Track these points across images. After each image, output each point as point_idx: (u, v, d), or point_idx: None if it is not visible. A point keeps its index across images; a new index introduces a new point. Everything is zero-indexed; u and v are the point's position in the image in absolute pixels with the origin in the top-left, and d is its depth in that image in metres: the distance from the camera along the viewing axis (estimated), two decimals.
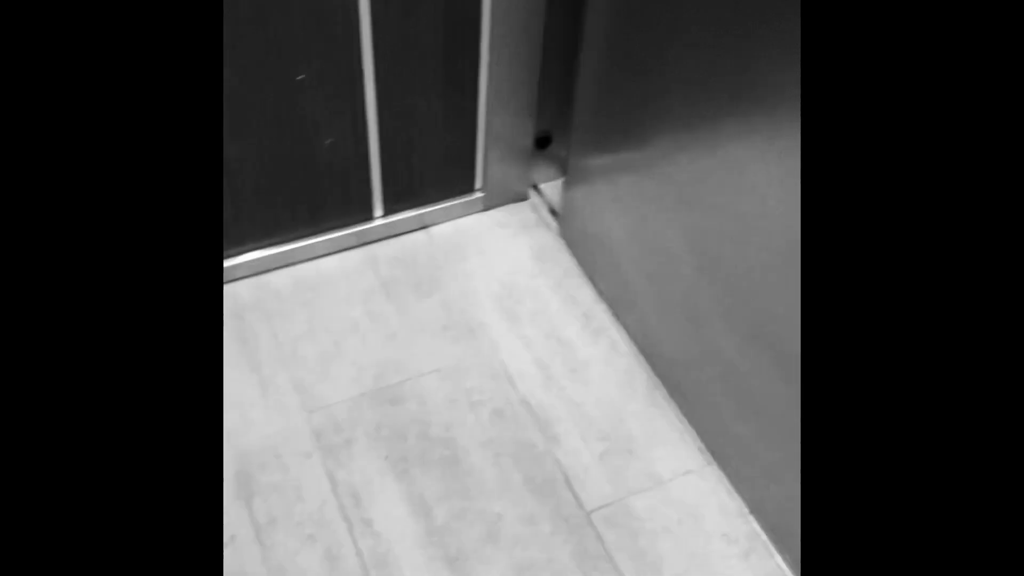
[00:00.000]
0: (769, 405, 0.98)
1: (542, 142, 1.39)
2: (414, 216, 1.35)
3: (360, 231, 1.33)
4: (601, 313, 1.27)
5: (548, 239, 1.37)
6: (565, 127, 1.40)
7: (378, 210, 1.33)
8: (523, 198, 1.43)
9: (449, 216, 1.38)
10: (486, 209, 1.40)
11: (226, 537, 1.03)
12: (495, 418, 1.15)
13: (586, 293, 1.30)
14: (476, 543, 1.04)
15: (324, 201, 1.27)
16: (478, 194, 1.39)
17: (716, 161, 0.95)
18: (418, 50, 1.17)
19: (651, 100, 1.05)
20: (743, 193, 0.92)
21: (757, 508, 1.08)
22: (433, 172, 1.33)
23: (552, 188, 1.45)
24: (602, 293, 1.29)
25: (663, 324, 1.16)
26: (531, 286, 1.30)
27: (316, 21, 1.08)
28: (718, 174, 0.95)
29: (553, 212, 1.41)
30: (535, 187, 1.44)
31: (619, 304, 1.26)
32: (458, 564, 1.02)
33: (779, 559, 1.05)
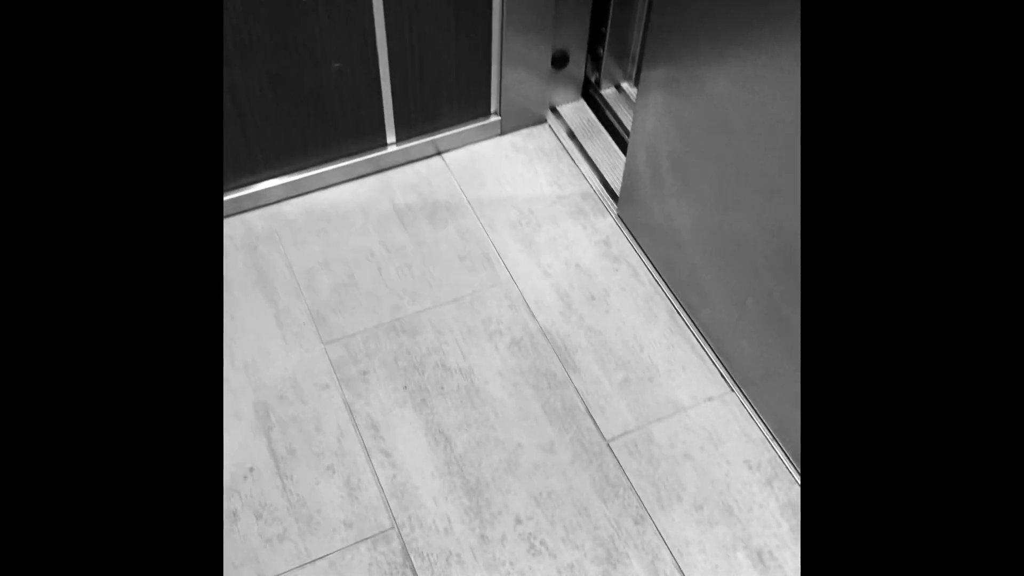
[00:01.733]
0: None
1: (559, 61, 1.35)
2: (428, 142, 1.32)
3: (373, 158, 1.30)
4: (621, 240, 1.24)
5: (566, 163, 1.33)
6: (582, 45, 1.35)
7: (391, 136, 1.29)
8: (541, 120, 1.38)
9: (464, 141, 1.35)
10: (503, 133, 1.37)
11: (245, 470, 1.03)
12: (514, 347, 1.14)
13: (606, 220, 1.26)
14: (495, 472, 1.04)
15: (335, 128, 1.24)
16: (494, 118, 1.35)
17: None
18: None
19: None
20: (755, 108, 0.88)
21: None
22: (447, 96, 1.29)
23: (570, 110, 1.40)
24: (624, 221, 1.26)
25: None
26: (549, 212, 1.27)
27: None
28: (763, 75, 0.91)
29: (572, 135, 1.37)
30: (553, 109, 1.40)
31: (640, 230, 1.23)
32: (477, 493, 1.02)
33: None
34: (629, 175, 1.20)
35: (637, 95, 1.13)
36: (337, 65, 1.16)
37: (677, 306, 1.18)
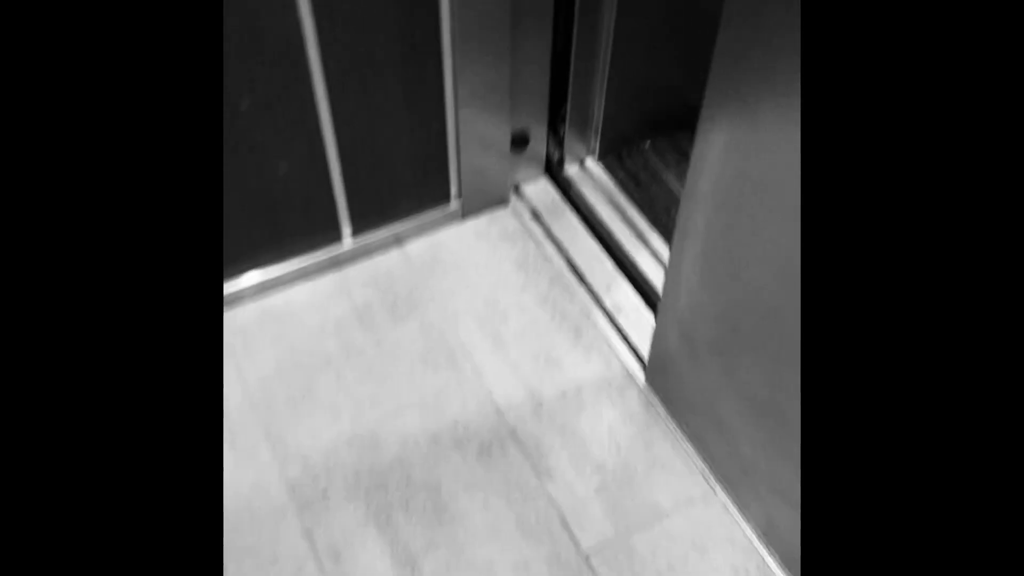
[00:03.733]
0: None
1: (519, 142, 1.30)
2: (387, 233, 1.26)
3: (329, 254, 1.24)
4: (593, 327, 1.18)
5: (531, 247, 1.28)
6: (542, 123, 1.30)
7: (347, 230, 1.24)
8: (504, 201, 1.33)
9: (425, 229, 1.29)
10: (465, 217, 1.31)
11: None
12: (483, 456, 1.07)
13: (574, 305, 1.21)
14: None
15: (286, 227, 1.19)
16: (454, 203, 1.29)
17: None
18: (373, 63, 1.07)
19: None
20: (751, 155, 0.83)
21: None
22: (403, 184, 1.23)
23: (534, 189, 1.35)
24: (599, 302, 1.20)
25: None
26: (516, 301, 1.22)
27: (255, 46, 0.98)
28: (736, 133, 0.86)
29: (536, 216, 1.31)
30: (516, 188, 1.35)
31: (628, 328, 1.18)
32: None
33: None
34: (658, 347, 1.08)
35: (668, 265, 0.99)
36: (284, 167, 1.10)
37: (653, 399, 1.12)
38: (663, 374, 1.09)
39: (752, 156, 0.76)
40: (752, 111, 0.74)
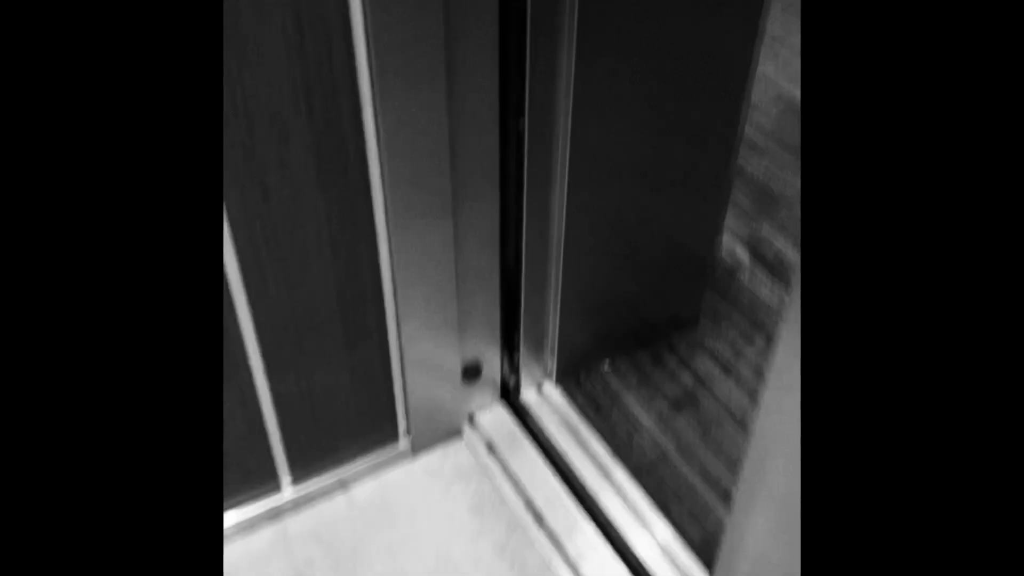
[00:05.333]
0: None
1: (471, 372, 1.23)
2: (330, 478, 1.17)
3: (267, 505, 1.14)
4: None
5: (487, 486, 1.19)
6: (495, 349, 1.24)
7: (285, 478, 1.14)
8: (457, 433, 1.25)
9: (372, 471, 1.20)
10: (415, 453, 1.22)
11: None
12: None
13: (536, 552, 1.11)
14: None
15: None
16: (403, 440, 1.21)
17: None
18: (309, 311, 1.01)
19: None
20: None
21: None
22: (347, 425, 1.15)
23: (489, 418, 1.27)
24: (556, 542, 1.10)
25: None
26: (471, 552, 1.11)
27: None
28: None
29: (492, 448, 1.23)
30: (470, 417, 1.27)
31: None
32: None
33: None
34: None
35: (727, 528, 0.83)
36: None
37: None
38: None
39: None
40: None
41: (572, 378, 1.33)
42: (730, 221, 1.57)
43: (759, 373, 1.33)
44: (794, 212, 1.59)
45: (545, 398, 1.30)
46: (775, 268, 1.49)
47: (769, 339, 1.38)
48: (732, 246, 1.54)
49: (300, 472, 1.15)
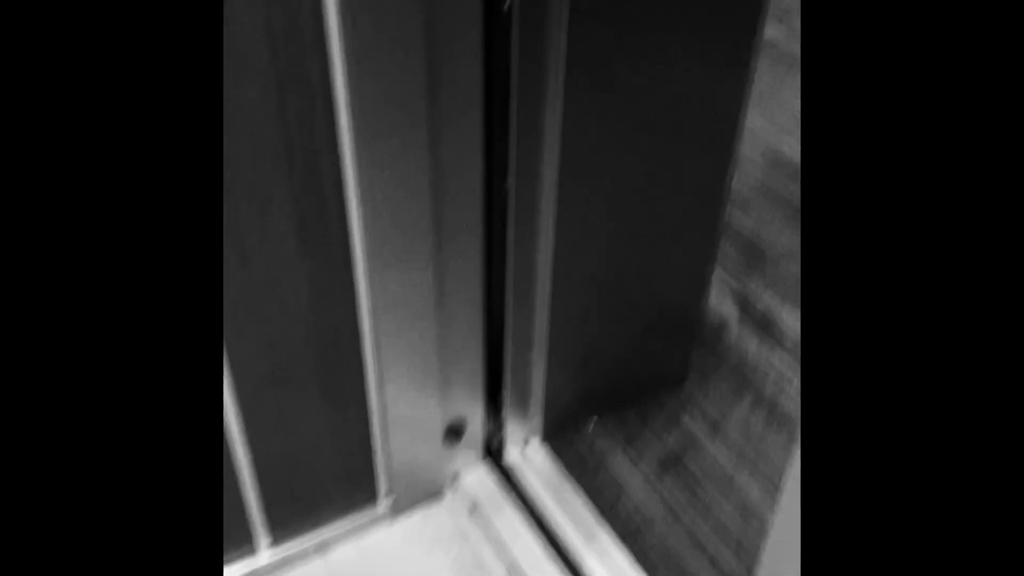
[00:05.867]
0: None
1: (454, 433, 1.21)
2: (309, 541, 1.14)
3: (244, 568, 1.11)
4: None
5: (468, 552, 1.16)
6: (478, 409, 1.22)
7: (263, 540, 1.11)
8: (439, 493, 1.22)
9: (352, 533, 1.17)
10: (396, 514, 1.20)
11: None
12: None
13: None
14: None
15: None
16: (383, 502, 1.18)
17: None
18: (288, 372, 0.99)
19: None
20: None
21: None
22: (326, 487, 1.13)
23: (473, 479, 1.25)
24: None
25: None
26: None
27: None
28: None
29: (475, 510, 1.20)
30: (453, 477, 1.24)
31: None
32: None
33: None
34: None
35: None
36: None
37: None
38: None
39: None
40: None
41: (558, 436, 1.31)
42: (718, 277, 1.56)
43: (746, 434, 1.31)
44: (782, 268, 1.58)
45: (530, 458, 1.27)
46: (763, 325, 1.48)
47: (757, 398, 1.37)
48: (720, 302, 1.52)
49: (277, 535, 1.12)
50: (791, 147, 1.85)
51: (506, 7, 0.94)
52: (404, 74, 0.87)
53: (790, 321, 1.48)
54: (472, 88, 0.94)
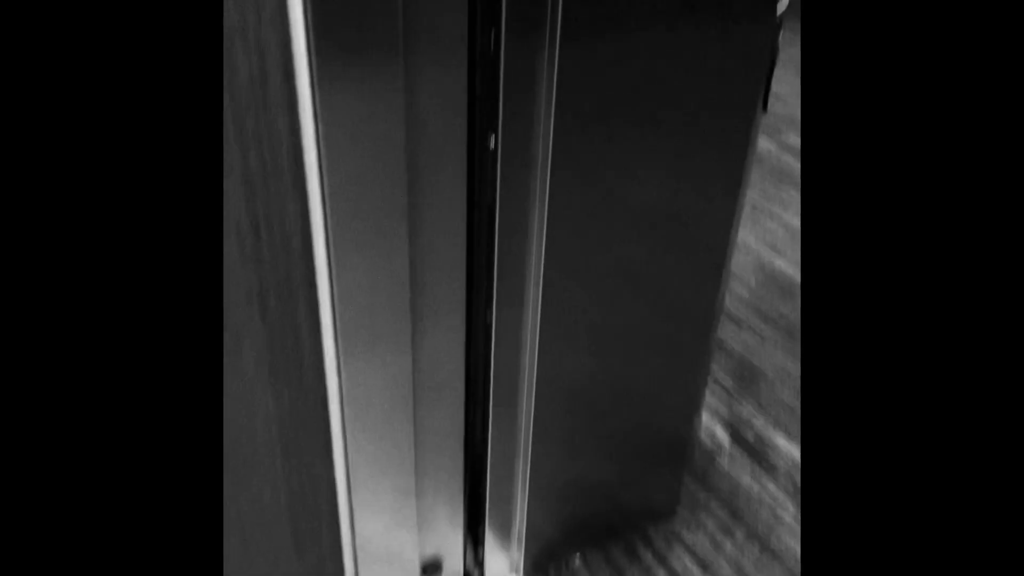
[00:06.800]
0: None
1: (430, 570, 1.15)
2: None
3: None
4: None
5: None
6: (457, 546, 1.17)
7: None
8: None
9: None
10: None
11: None
12: None
13: None
14: None
15: None
16: None
17: None
18: (257, 516, 0.94)
19: None
20: None
21: None
22: None
23: None
24: None
25: None
26: None
27: None
28: None
29: None
30: None
31: None
32: None
33: None
34: None
35: None
36: None
37: None
38: None
39: None
40: None
41: (540, 573, 1.25)
42: (709, 399, 1.52)
43: (739, 571, 1.25)
44: (776, 391, 1.54)
45: None
46: (756, 452, 1.43)
47: (749, 532, 1.31)
48: (711, 427, 1.48)
49: None
50: (784, 263, 1.83)
51: (492, 144, 0.92)
52: (385, 207, 0.85)
53: (784, 449, 1.43)
54: (456, 220, 0.91)
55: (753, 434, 1.46)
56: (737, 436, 1.46)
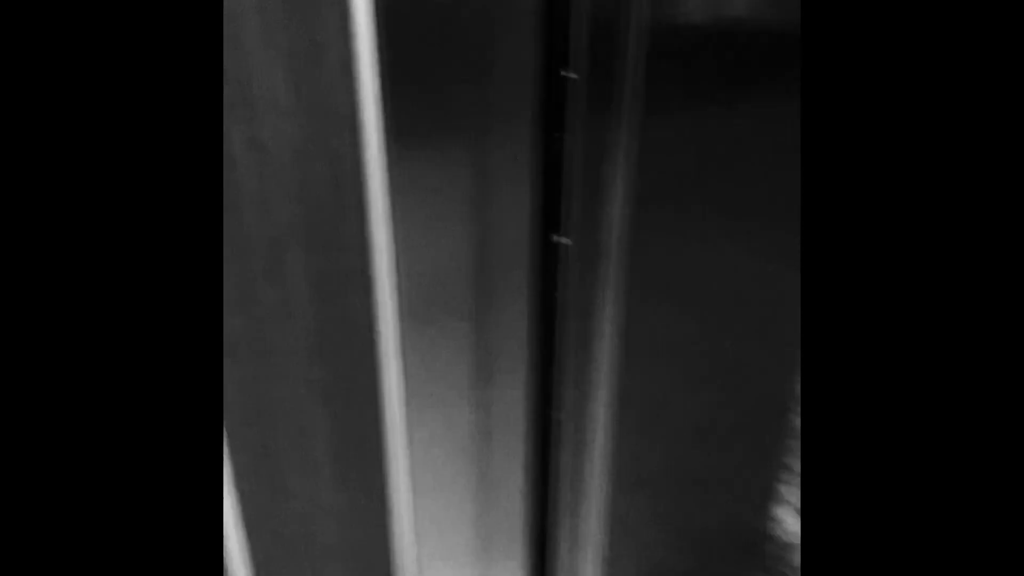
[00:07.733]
0: None
1: None
2: None
3: None
4: None
5: None
6: None
7: None
8: None
9: None
10: None
11: None
12: None
13: None
14: None
15: None
16: None
17: None
18: None
19: None
20: None
21: None
22: None
23: None
24: None
25: None
26: None
27: None
28: None
29: None
30: None
31: None
32: None
33: None
34: None
35: None
36: None
37: None
38: None
39: None
40: None
41: None
42: (783, 491, 1.49)
43: None
44: None
45: None
46: None
47: None
48: (786, 519, 1.44)
49: None
50: None
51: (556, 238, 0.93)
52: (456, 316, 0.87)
53: None
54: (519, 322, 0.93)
55: None
56: None
